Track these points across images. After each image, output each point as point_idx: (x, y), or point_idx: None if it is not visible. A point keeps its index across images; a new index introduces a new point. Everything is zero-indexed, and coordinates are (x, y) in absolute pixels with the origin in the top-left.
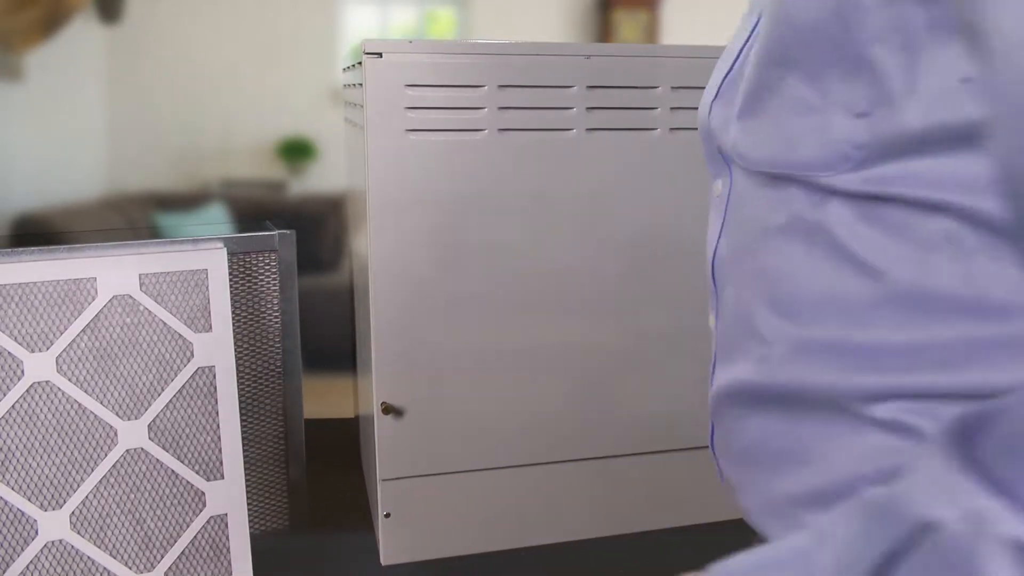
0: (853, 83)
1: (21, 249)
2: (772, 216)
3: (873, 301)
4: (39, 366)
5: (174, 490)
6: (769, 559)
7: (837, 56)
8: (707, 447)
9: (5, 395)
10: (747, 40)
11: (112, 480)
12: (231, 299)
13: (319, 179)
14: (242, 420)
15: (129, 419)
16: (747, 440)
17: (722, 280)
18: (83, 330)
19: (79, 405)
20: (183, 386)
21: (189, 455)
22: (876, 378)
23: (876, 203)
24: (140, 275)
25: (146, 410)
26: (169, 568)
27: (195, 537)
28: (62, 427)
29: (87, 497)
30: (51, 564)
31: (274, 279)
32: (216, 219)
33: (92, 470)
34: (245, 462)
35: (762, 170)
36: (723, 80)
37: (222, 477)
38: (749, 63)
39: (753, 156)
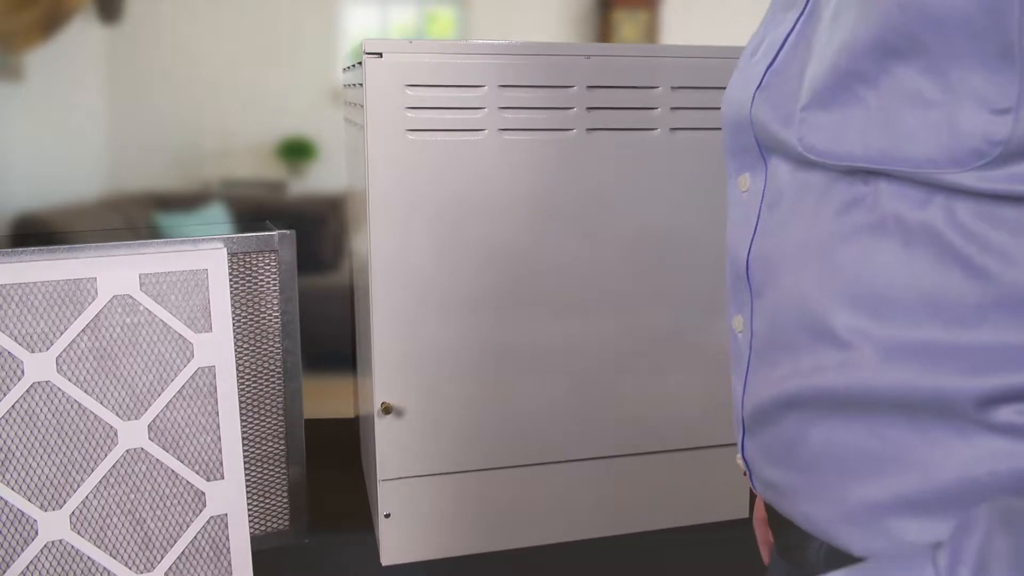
0: (994, 77)
1: (21, 249)
2: (847, 213)
3: (982, 302)
4: (39, 366)
5: (174, 490)
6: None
7: (978, 48)
8: (707, 447)
9: (5, 395)
10: (792, 29)
11: (112, 480)
12: (231, 299)
13: (319, 179)
14: (242, 420)
15: (129, 419)
16: (817, 447)
17: (762, 281)
18: (83, 330)
19: (79, 405)
20: (183, 386)
21: (189, 455)
22: (991, 381)
23: (1003, 202)
24: (140, 275)
25: (146, 410)
26: (169, 568)
27: (195, 537)
28: (62, 427)
29: (87, 497)
30: (51, 564)
31: (274, 279)
32: (216, 219)
33: (92, 470)
34: (245, 462)
35: (845, 164)
36: (767, 70)
37: (222, 477)
38: (824, 53)
39: (832, 150)
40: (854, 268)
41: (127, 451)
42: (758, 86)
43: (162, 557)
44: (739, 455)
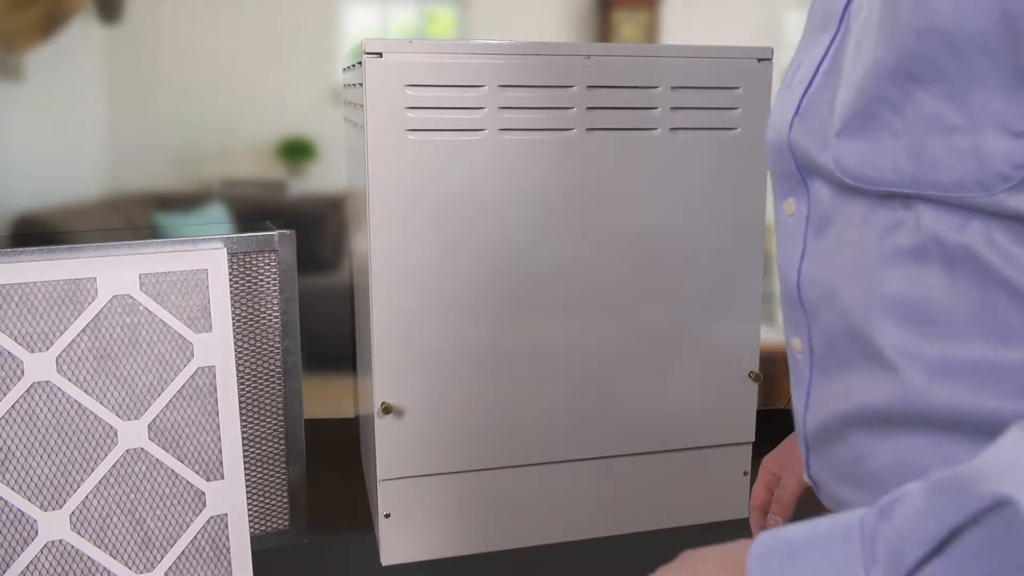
0: (1012, 99)
1: (21, 249)
2: (890, 237)
3: None
4: (39, 366)
5: (174, 490)
6: (823, 531)
7: (995, 71)
8: (707, 447)
9: (5, 395)
10: (825, 53)
11: (112, 480)
12: (231, 299)
13: (319, 179)
14: (242, 420)
15: (129, 419)
16: (882, 464)
17: (815, 304)
18: (83, 330)
19: (79, 405)
20: (183, 386)
21: (189, 455)
22: None
23: None
24: (140, 275)
25: (146, 410)
26: (169, 568)
27: (195, 537)
28: (62, 427)
29: (87, 497)
30: (51, 564)
31: (274, 279)
32: (216, 219)
33: (92, 470)
34: (245, 462)
35: (880, 189)
36: (803, 96)
37: (222, 477)
38: (851, 78)
39: (868, 175)
40: (899, 290)
41: (127, 451)
42: (795, 112)
43: (162, 557)
44: (805, 474)
